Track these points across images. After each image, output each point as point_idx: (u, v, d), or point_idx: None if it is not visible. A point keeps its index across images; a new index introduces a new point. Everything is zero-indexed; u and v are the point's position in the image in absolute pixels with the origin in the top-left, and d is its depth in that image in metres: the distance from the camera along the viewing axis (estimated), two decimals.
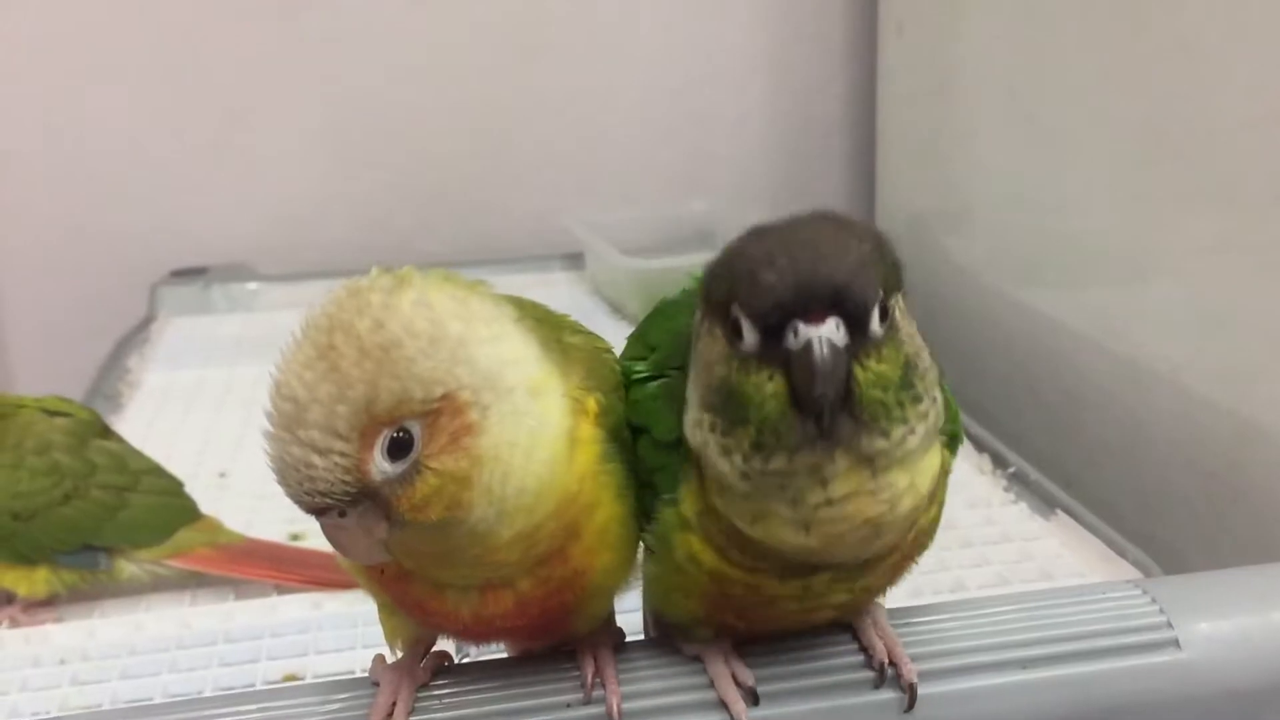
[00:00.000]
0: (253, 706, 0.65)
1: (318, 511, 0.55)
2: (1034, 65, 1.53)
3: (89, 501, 1.10)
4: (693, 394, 0.61)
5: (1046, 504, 1.25)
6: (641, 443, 0.66)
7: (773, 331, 0.56)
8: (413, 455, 0.55)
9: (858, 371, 0.56)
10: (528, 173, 2.04)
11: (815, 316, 0.55)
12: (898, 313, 0.58)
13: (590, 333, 0.70)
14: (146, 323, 1.85)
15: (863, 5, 2.02)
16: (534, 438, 0.58)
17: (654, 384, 0.67)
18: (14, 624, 1.09)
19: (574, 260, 1.97)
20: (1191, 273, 1.27)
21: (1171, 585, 0.73)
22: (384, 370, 0.54)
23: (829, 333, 0.55)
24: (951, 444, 0.68)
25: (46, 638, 1.06)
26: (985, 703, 0.66)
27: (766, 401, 0.56)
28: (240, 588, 1.15)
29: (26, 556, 1.09)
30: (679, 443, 0.63)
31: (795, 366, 0.55)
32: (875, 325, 0.56)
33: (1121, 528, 1.22)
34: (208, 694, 0.93)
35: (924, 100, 1.84)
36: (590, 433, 0.62)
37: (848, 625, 0.70)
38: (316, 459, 0.53)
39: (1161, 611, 0.69)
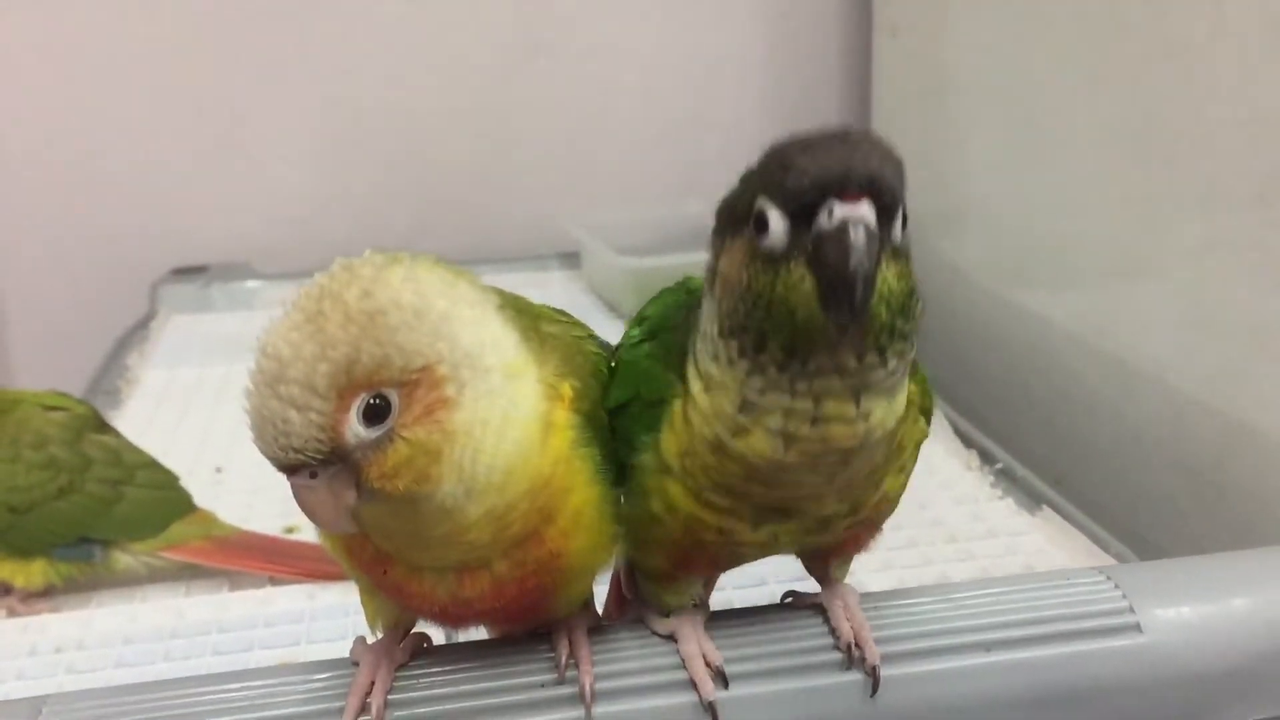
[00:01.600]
0: (237, 685, 0.66)
1: (289, 469, 0.56)
2: (1025, 68, 1.54)
3: (85, 495, 1.12)
4: (708, 326, 0.61)
5: (1033, 500, 1.26)
6: (630, 410, 0.67)
7: (804, 215, 0.55)
8: (387, 423, 0.56)
9: (877, 269, 0.54)
10: (526, 174, 2.06)
11: (851, 195, 0.54)
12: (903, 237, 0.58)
13: (569, 321, 0.72)
14: (147, 320, 1.87)
15: (857, 8, 2.04)
16: (506, 418, 0.60)
17: (645, 345, 0.68)
18: (11, 614, 1.10)
19: (570, 260, 1.99)
20: (1179, 273, 1.28)
21: (1135, 572, 0.74)
22: (367, 335, 0.56)
23: (865, 214, 0.54)
24: (925, 417, 0.70)
25: (43, 627, 1.08)
26: (950, 684, 0.67)
27: (800, 298, 0.55)
28: (235, 579, 1.16)
29: (23, 549, 1.10)
30: (664, 400, 0.65)
31: (829, 246, 0.54)
32: (899, 229, 0.56)
33: (1107, 524, 1.23)
34: None
35: (918, 102, 1.85)
36: (565, 418, 0.63)
37: (820, 608, 0.71)
38: (294, 414, 0.55)
39: (1124, 597, 0.70)
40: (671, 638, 0.70)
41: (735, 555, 0.69)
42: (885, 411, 0.60)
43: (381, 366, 0.56)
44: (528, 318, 0.66)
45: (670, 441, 0.65)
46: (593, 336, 0.72)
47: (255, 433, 0.57)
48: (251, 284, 1.93)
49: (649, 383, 0.67)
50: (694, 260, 1.87)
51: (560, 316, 0.71)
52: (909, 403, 0.64)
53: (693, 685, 0.67)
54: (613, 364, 0.71)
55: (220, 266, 1.96)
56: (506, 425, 0.60)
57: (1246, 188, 1.16)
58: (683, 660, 0.68)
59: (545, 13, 2.01)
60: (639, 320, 0.72)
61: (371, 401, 0.56)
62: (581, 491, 0.64)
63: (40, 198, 1.95)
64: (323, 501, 0.57)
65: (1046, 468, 1.38)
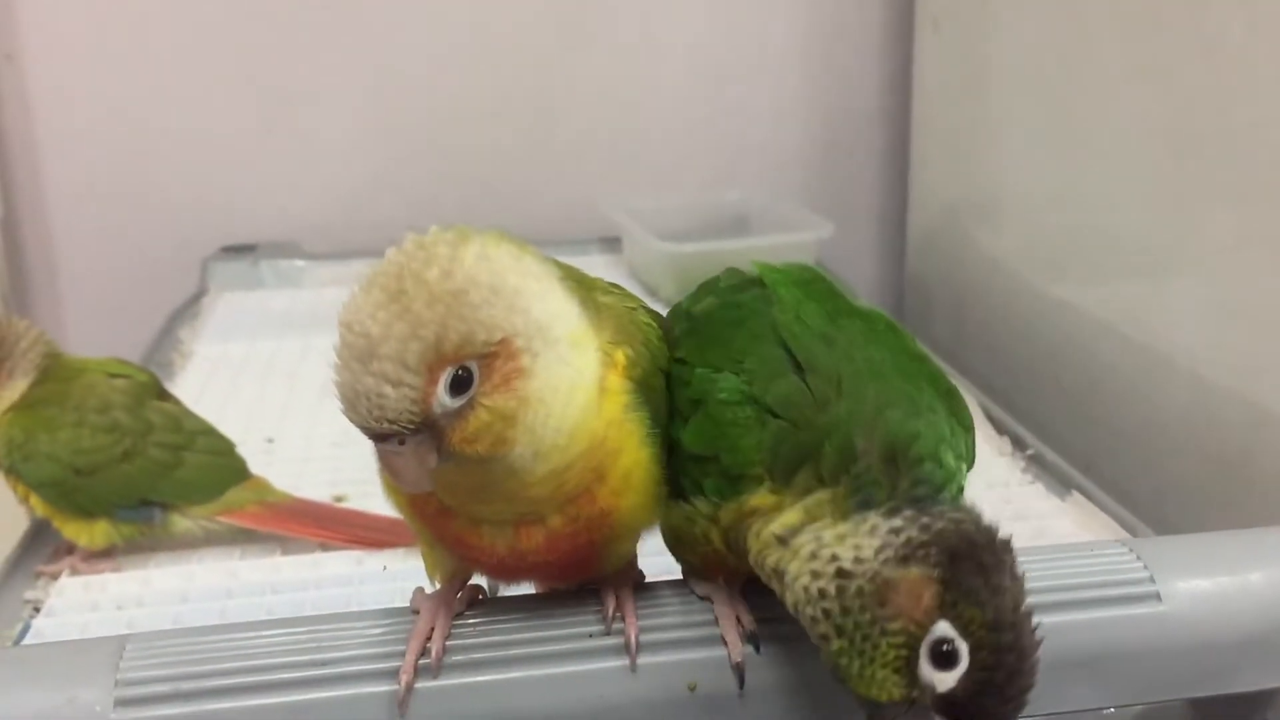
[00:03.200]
0: (303, 630, 0.70)
1: (380, 437, 0.60)
2: (1065, 62, 1.56)
3: (146, 459, 1.15)
4: (826, 564, 0.62)
5: (1063, 485, 1.28)
6: (710, 465, 0.68)
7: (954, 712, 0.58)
8: (470, 392, 0.60)
9: None
10: (569, 159, 2.09)
11: None
12: None
13: (622, 292, 0.75)
14: (198, 296, 1.91)
15: (899, 1, 2.06)
16: (572, 385, 0.64)
17: (740, 411, 0.68)
18: (75, 572, 1.14)
19: (612, 244, 2.02)
20: (1211, 266, 1.31)
21: (1157, 545, 0.77)
22: (452, 314, 0.59)
23: None
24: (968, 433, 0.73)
25: (105, 585, 1.12)
26: None
27: (887, 695, 0.60)
28: (286, 544, 1.19)
29: (87, 510, 1.13)
30: (746, 477, 0.67)
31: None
32: None
33: (1135, 509, 1.25)
34: None
35: (958, 95, 1.88)
36: (618, 383, 0.68)
37: None
38: (389, 389, 0.58)
39: (1145, 568, 0.73)
40: (708, 599, 0.73)
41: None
42: None
43: (466, 342, 0.60)
44: (584, 289, 0.69)
45: (730, 516, 0.67)
46: (644, 307, 0.76)
47: (347, 405, 0.60)
48: (300, 263, 1.97)
49: (736, 456, 0.67)
50: (733, 247, 1.91)
51: (613, 288, 0.75)
52: None
53: (724, 643, 0.70)
54: (695, 399, 0.70)
55: (269, 245, 2.00)
56: (573, 391, 0.64)
57: (1279, 181, 1.18)
58: (717, 619, 0.71)
59: (590, 1, 2.04)
60: (731, 361, 0.69)
61: (457, 374, 0.60)
62: (631, 454, 0.68)
63: (95, 177, 2.00)
64: (409, 465, 0.61)
65: (1077, 454, 1.40)
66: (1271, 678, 0.74)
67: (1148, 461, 1.39)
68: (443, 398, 0.60)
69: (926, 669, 0.59)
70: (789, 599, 0.64)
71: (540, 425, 0.62)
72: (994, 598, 0.58)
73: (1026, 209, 1.71)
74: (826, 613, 0.61)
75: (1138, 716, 0.87)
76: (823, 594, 0.61)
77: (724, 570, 0.73)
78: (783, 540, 0.64)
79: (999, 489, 1.29)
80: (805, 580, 0.62)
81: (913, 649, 0.59)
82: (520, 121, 2.07)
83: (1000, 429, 1.43)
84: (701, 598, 0.73)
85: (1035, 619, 0.60)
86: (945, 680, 0.58)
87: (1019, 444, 1.39)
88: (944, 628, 0.58)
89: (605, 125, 2.10)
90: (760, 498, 0.66)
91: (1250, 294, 1.25)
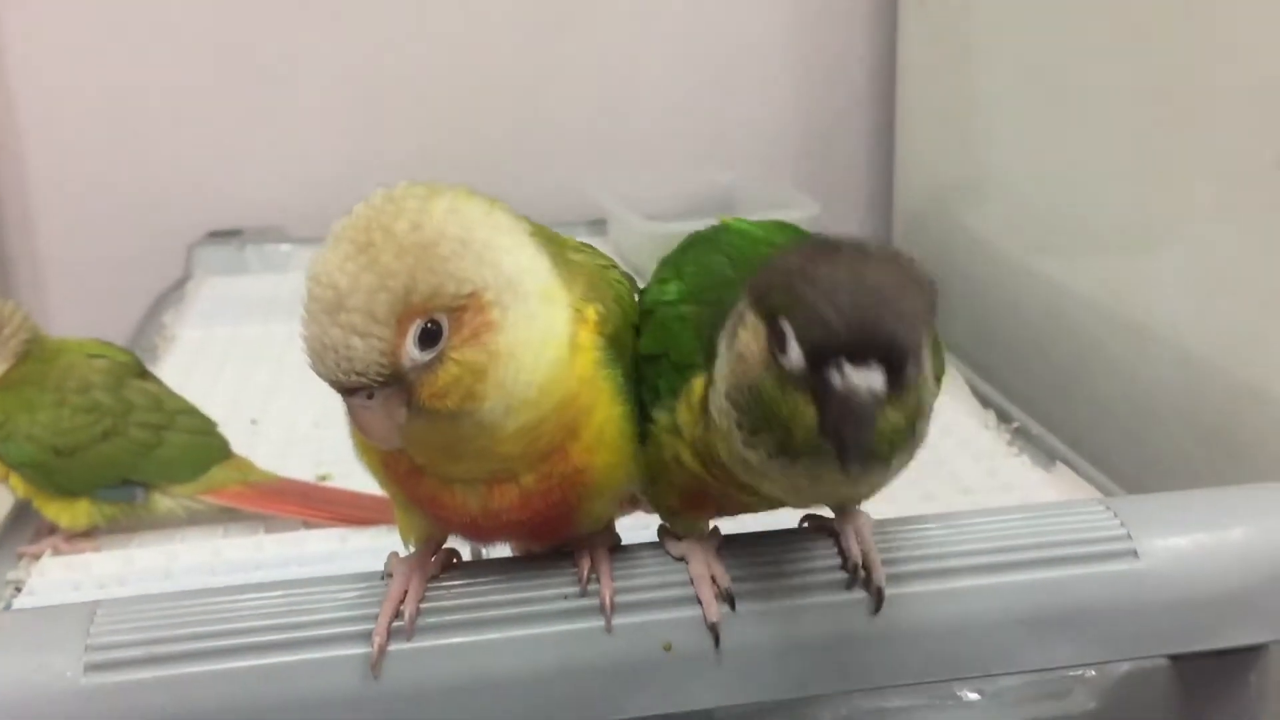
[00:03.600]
0: (279, 593, 0.70)
1: (349, 391, 0.60)
2: (1048, 37, 1.56)
3: (127, 438, 1.15)
4: (721, 377, 0.64)
5: (1048, 457, 1.29)
6: (659, 364, 0.70)
7: (818, 361, 0.57)
8: (439, 346, 0.60)
9: (880, 418, 0.57)
10: (555, 141, 2.09)
11: (863, 361, 0.56)
12: (924, 355, 0.60)
13: (592, 251, 0.75)
14: (183, 281, 1.91)
15: None
16: (543, 340, 0.64)
17: (683, 308, 0.71)
18: (57, 552, 1.14)
19: (598, 226, 2.01)
20: (1194, 239, 1.30)
21: (1134, 503, 0.77)
22: (421, 265, 0.59)
23: (874, 382, 0.56)
24: (936, 380, 0.73)
25: (87, 565, 1.11)
26: (953, 604, 0.70)
27: (799, 423, 0.59)
28: (270, 523, 1.19)
29: (68, 490, 1.13)
30: (692, 366, 0.68)
31: (834, 403, 0.56)
32: (911, 374, 0.59)
33: (1120, 480, 1.26)
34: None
35: (943, 71, 1.87)
36: (590, 339, 0.67)
37: (833, 531, 0.74)
38: (357, 341, 0.58)
39: (1122, 525, 0.73)
40: (684, 559, 0.73)
41: (743, 506, 0.72)
42: (887, 475, 0.64)
43: (435, 294, 0.59)
44: (555, 245, 0.69)
45: (685, 414, 0.68)
46: (615, 266, 0.75)
47: (315, 358, 0.60)
48: (284, 247, 1.97)
49: (679, 348, 0.69)
50: None
51: (584, 247, 0.74)
52: None
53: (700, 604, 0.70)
54: (646, 310, 0.73)
55: (254, 230, 2.00)
56: (543, 346, 0.63)
57: (1261, 154, 1.18)
58: (691, 580, 0.71)
59: None
60: (677, 272, 0.74)
61: (426, 326, 0.59)
62: (604, 410, 0.68)
63: (80, 162, 1.99)
64: (378, 419, 0.60)
65: (1062, 427, 1.40)
66: (1250, 634, 0.74)
67: (1132, 433, 1.39)
68: (411, 350, 0.59)
69: (796, 358, 0.58)
70: (721, 445, 0.65)
71: (510, 380, 0.62)
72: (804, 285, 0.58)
73: (1012, 186, 1.71)
74: (743, 413, 0.61)
75: (1122, 677, 0.88)
76: (733, 402, 0.62)
77: (705, 505, 0.73)
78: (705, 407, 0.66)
79: (984, 461, 1.29)
80: (719, 403, 0.63)
81: (788, 372, 0.59)
82: (506, 104, 2.07)
83: (986, 403, 1.43)
84: (676, 558, 0.73)
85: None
86: (792, 359, 0.58)
87: (1004, 417, 1.39)
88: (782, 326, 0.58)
89: (592, 107, 2.09)
90: (699, 385, 0.67)
91: (1232, 267, 1.25)
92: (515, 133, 2.07)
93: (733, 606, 0.70)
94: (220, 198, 2.02)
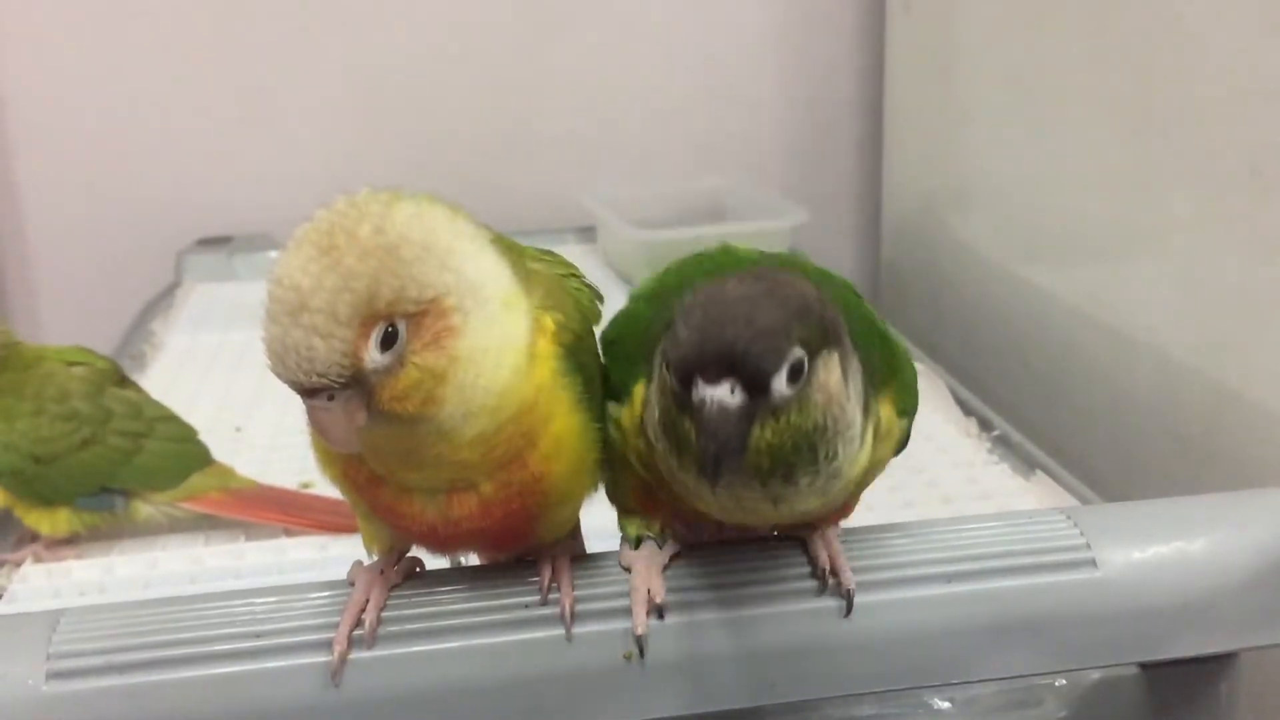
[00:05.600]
0: (242, 602, 0.70)
1: (309, 392, 0.60)
2: (1034, 45, 1.57)
3: (106, 446, 1.15)
4: (652, 399, 0.66)
5: (1028, 465, 1.29)
6: (616, 350, 0.73)
7: (683, 381, 0.60)
8: (398, 349, 0.60)
9: (754, 432, 0.60)
10: (543, 148, 2.09)
11: (711, 378, 0.59)
12: (822, 372, 0.62)
13: (554, 260, 0.76)
14: (172, 288, 1.92)
15: None
16: (503, 346, 0.64)
17: (643, 304, 0.74)
18: (37, 560, 1.14)
19: (587, 233, 2.02)
20: (1173, 247, 1.31)
21: (1094, 513, 0.78)
22: (385, 268, 0.59)
23: (722, 395, 0.59)
24: (908, 416, 0.74)
25: (67, 572, 1.11)
26: (913, 612, 0.71)
27: (685, 439, 0.62)
28: (251, 530, 1.20)
29: (48, 498, 1.14)
30: (636, 363, 0.70)
31: (695, 419, 0.60)
32: (781, 389, 0.60)
33: (1099, 488, 1.26)
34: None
35: (930, 79, 1.88)
36: (548, 349, 0.67)
37: (800, 540, 0.75)
38: (318, 341, 0.58)
39: (1082, 535, 0.74)
40: (628, 569, 0.73)
41: (695, 513, 0.72)
42: (816, 499, 0.65)
43: (398, 298, 0.60)
44: (514, 253, 0.70)
45: (629, 419, 0.70)
46: (576, 275, 0.76)
47: (275, 359, 0.60)
48: (273, 254, 1.91)
49: (632, 337, 0.72)
50: (708, 233, 1.92)
51: (544, 255, 0.75)
52: (880, 440, 0.69)
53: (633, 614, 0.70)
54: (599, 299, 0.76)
55: (243, 237, 2.01)
56: (503, 352, 0.64)
57: (1239, 162, 1.19)
58: (629, 591, 0.71)
59: None
60: (660, 275, 0.76)
61: (388, 330, 0.60)
62: (562, 419, 0.68)
63: (69, 169, 2.00)
64: (337, 422, 0.61)
65: (1043, 435, 1.40)
66: (1214, 643, 0.75)
67: (1113, 440, 1.39)
68: (373, 353, 0.60)
69: (673, 380, 0.61)
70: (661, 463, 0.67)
71: (470, 385, 0.62)
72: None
73: (998, 193, 1.72)
74: (666, 436, 0.64)
75: (1093, 685, 0.88)
76: (662, 425, 0.65)
77: (658, 507, 0.73)
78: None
79: (964, 469, 1.29)
80: (652, 424, 0.66)
81: (675, 395, 0.62)
82: (496, 112, 2.07)
83: (968, 410, 1.43)
84: (624, 568, 0.74)
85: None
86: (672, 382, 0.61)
87: (986, 425, 1.39)
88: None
89: (581, 115, 2.10)
90: (639, 392, 0.69)
91: (1212, 274, 1.25)
92: (505, 140, 2.08)
93: (660, 617, 0.71)
94: (210, 205, 2.03)
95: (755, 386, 0.60)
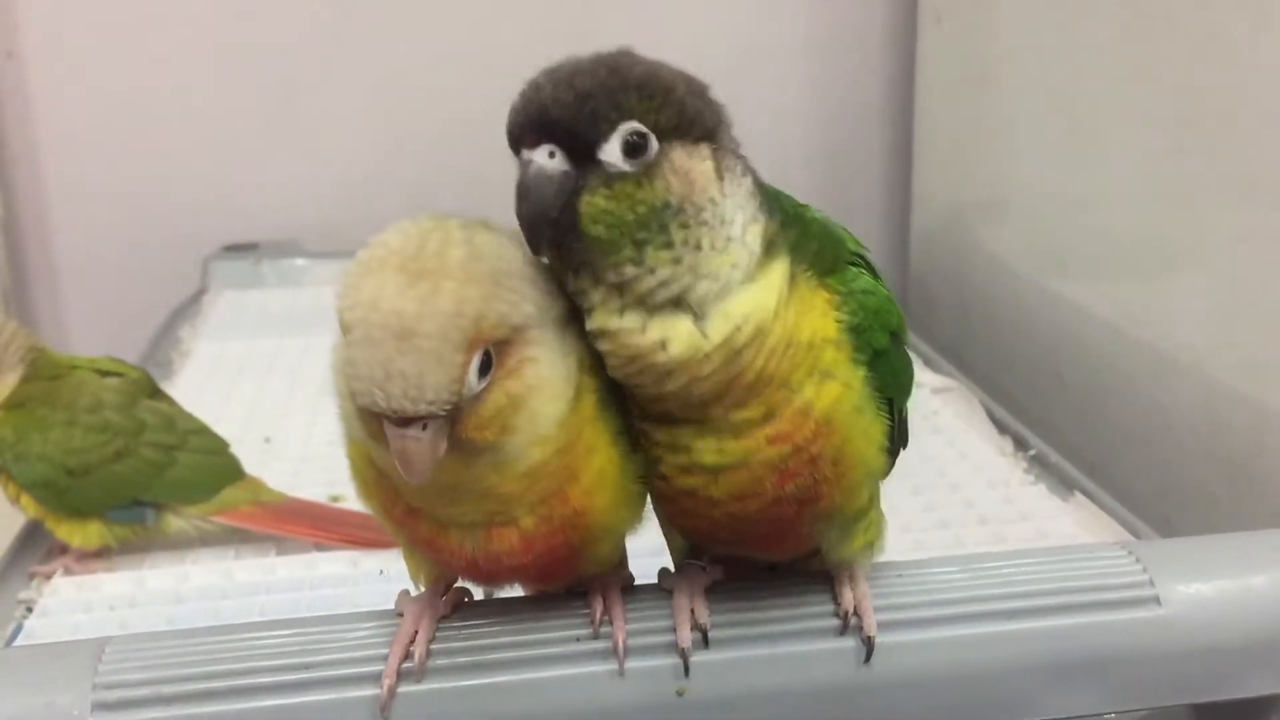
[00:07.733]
0: (289, 632, 0.69)
1: (406, 422, 0.58)
2: (1068, 58, 1.55)
3: (138, 459, 1.14)
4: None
5: (1065, 486, 1.27)
6: None
7: (516, 151, 0.60)
8: (490, 375, 0.59)
9: (581, 202, 0.59)
10: None
11: (530, 141, 0.59)
12: (682, 158, 0.61)
13: None
14: (199, 295, 1.91)
15: None
16: (565, 376, 0.63)
17: None
18: (68, 572, 1.13)
19: None
20: (1215, 265, 1.29)
21: (1156, 548, 0.76)
22: (491, 294, 0.58)
23: (540, 158, 0.59)
24: (891, 335, 0.70)
25: (98, 585, 1.11)
26: (972, 650, 0.70)
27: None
28: (282, 544, 1.19)
29: (79, 510, 1.13)
30: None
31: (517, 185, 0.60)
32: (614, 160, 0.59)
33: (1139, 510, 1.24)
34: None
35: (961, 91, 1.86)
36: (588, 382, 0.66)
37: (828, 577, 0.73)
38: (431, 368, 0.57)
39: (1145, 571, 0.72)
40: (671, 591, 0.72)
41: (733, 533, 0.70)
42: (701, 319, 0.62)
43: (500, 324, 0.59)
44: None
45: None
46: None
47: (374, 387, 0.57)
48: (300, 262, 1.97)
49: None
50: None
51: None
52: (805, 302, 0.66)
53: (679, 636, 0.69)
54: None
55: (270, 244, 2.00)
56: (565, 383, 0.63)
57: None
58: (672, 613, 0.70)
59: None
60: None
61: (484, 356, 0.59)
62: (604, 452, 0.67)
63: (97, 176, 2.00)
64: (424, 452, 0.59)
65: (1080, 455, 1.39)
66: (1275, 684, 0.73)
67: (1152, 462, 1.38)
68: (472, 380, 0.58)
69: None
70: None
71: (541, 413, 0.62)
72: None
73: (1030, 207, 1.70)
74: None
75: None
76: None
77: (705, 535, 0.72)
78: None
79: (1000, 489, 1.28)
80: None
81: None
82: None
83: (1003, 429, 1.42)
84: (665, 589, 0.73)
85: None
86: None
87: (1021, 444, 1.38)
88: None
89: None
90: None
91: (1255, 293, 1.23)
92: None
93: (706, 644, 0.69)
94: (237, 211, 2.03)
95: (579, 153, 0.59)
